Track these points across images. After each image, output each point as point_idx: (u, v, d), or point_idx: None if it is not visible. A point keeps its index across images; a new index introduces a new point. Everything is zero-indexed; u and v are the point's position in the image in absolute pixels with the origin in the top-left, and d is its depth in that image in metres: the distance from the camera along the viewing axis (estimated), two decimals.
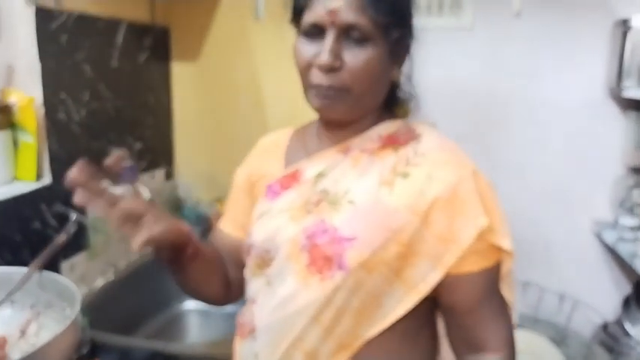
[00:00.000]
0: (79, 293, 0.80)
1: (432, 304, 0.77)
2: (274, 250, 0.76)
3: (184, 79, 1.91)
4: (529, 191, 1.75)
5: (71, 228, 0.93)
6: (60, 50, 1.32)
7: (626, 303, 1.73)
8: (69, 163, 1.49)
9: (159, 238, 0.68)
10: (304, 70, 0.73)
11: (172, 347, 1.19)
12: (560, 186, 1.73)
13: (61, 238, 0.90)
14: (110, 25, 1.53)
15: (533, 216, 1.76)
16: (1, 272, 0.91)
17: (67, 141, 1.36)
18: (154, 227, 0.68)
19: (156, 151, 1.83)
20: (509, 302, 0.77)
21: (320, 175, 0.77)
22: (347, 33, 0.70)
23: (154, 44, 1.77)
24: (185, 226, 0.77)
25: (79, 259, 1.42)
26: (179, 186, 1.97)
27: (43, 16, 1.26)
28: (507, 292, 0.76)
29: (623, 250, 1.51)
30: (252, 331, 0.79)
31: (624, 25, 1.52)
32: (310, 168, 0.79)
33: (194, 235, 0.80)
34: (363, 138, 0.78)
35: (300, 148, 0.85)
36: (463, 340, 0.77)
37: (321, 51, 0.70)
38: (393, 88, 0.82)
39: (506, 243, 0.72)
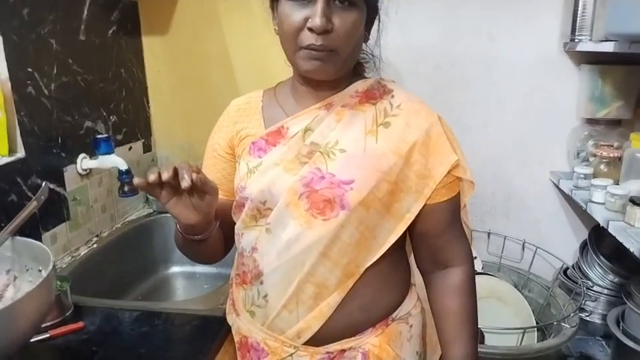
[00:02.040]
0: (51, 253, 0.79)
1: (405, 234, 0.86)
2: (271, 201, 0.81)
3: (156, 53, 1.86)
4: (491, 147, 1.77)
5: (42, 195, 0.92)
6: (22, 24, 1.27)
7: (583, 247, 1.78)
8: (42, 136, 1.45)
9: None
10: (294, 33, 0.75)
11: (157, 306, 1.19)
12: (519, 140, 1.76)
13: (32, 204, 0.89)
14: None
15: (496, 170, 1.78)
16: None
17: (38, 115, 1.32)
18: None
19: (133, 124, 1.80)
20: (467, 224, 0.91)
21: (307, 130, 0.83)
22: None
23: (122, 18, 1.71)
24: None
25: (60, 230, 1.40)
26: (157, 157, 1.95)
27: None
28: (465, 216, 0.89)
29: (579, 197, 1.54)
30: (257, 276, 0.85)
31: None
32: (295, 124, 0.84)
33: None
34: (343, 94, 0.84)
35: (276, 107, 0.89)
36: (432, 259, 0.89)
37: (314, 14, 0.72)
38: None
39: (469, 175, 0.85)
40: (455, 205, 0.86)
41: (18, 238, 0.86)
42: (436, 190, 0.82)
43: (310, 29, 0.73)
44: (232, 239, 0.93)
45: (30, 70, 1.29)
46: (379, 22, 0.86)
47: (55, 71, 1.39)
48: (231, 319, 0.95)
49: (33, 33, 1.31)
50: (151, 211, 1.82)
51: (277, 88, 0.92)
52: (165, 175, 0.70)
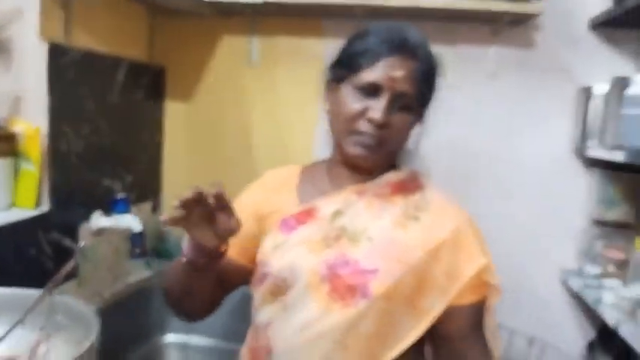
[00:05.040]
0: (95, 318, 0.84)
1: (424, 335, 0.87)
2: (291, 279, 0.85)
3: (177, 118, 1.99)
4: (502, 242, 1.83)
5: (79, 253, 0.99)
6: (66, 84, 1.40)
7: (591, 347, 1.84)
8: (66, 191, 1.53)
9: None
10: (351, 119, 0.85)
11: None
12: (530, 237, 1.87)
13: (71, 263, 0.96)
14: (113, 62, 1.62)
15: (506, 264, 1.85)
16: (7, 294, 0.95)
17: (65, 171, 1.41)
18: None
19: (145, 185, 1.89)
20: (494, 329, 0.92)
21: (337, 213, 0.89)
22: (397, 98, 0.84)
23: (151, 82, 1.86)
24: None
25: (68, 287, 1.44)
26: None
27: (55, 52, 1.34)
28: (491, 321, 0.91)
29: (588, 296, 1.63)
30: (268, 353, 0.87)
31: (587, 93, 1.70)
32: (326, 206, 0.90)
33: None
34: (376, 183, 0.90)
35: (311, 186, 0.95)
36: None
37: (377, 109, 0.83)
38: None
39: (496, 280, 0.88)
40: (480, 310, 0.89)
41: (56, 295, 0.92)
42: (462, 291, 0.85)
43: (370, 120, 0.83)
44: (220, 301, 0.97)
45: (67, 128, 1.40)
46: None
47: (86, 130, 1.50)
48: None
49: (74, 93, 1.43)
50: (151, 274, 1.86)
51: (315, 166, 0.99)
52: (189, 197, 0.76)
